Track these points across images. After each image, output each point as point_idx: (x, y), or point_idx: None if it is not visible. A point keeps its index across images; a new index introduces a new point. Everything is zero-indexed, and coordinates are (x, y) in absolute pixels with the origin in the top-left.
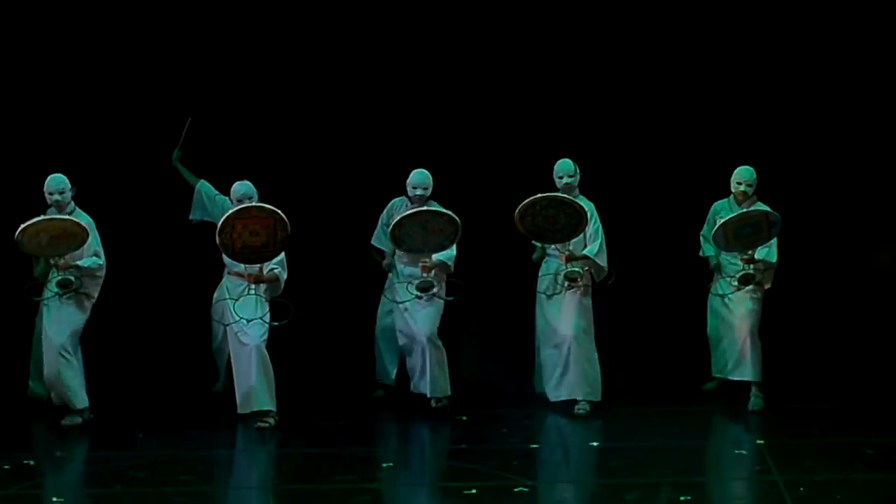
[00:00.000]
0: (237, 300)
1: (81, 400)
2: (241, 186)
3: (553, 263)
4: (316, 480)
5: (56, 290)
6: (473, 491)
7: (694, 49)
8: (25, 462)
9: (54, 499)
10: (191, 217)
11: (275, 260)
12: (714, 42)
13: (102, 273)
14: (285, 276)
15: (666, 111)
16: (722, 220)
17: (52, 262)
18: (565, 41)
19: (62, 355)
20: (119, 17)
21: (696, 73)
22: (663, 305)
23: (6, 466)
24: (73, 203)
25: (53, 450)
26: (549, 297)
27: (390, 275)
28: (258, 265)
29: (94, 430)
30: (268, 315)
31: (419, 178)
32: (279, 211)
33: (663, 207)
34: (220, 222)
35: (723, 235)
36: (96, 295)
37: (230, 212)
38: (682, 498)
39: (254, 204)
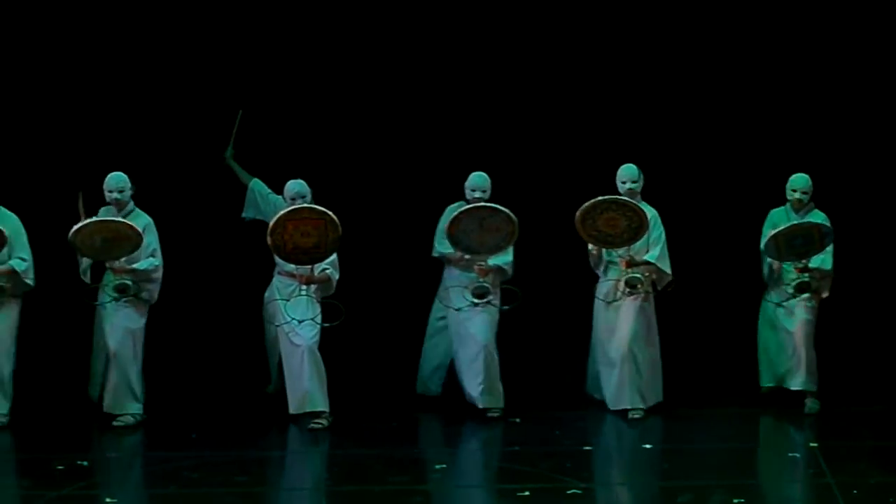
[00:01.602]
0: (288, 300)
1: (131, 405)
2: (295, 185)
3: (614, 270)
4: (368, 482)
5: (113, 294)
6: (526, 493)
7: (754, 57)
8: (79, 462)
9: (108, 499)
10: (243, 215)
11: (327, 260)
12: (774, 50)
13: (159, 274)
14: (337, 277)
15: (727, 118)
16: (773, 232)
17: (108, 265)
18: (627, 47)
19: (118, 358)
20: (172, 15)
21: (756, 81)
22: (721, 309)
23: (60, 467)
24: (132, 202)
25: (107, 450)
26: (609, 303)
27: (444, 280)
28: (309, 266)
29: (148, 430)
30: (319, 316)
31: (478, 181)
32: (331, 213)
33: (722, 214)
34: (272, 223)
35: (774, 246)
36: (156, 296)
37: (281, 212)
38: (735, 501)
39: (305, 205)
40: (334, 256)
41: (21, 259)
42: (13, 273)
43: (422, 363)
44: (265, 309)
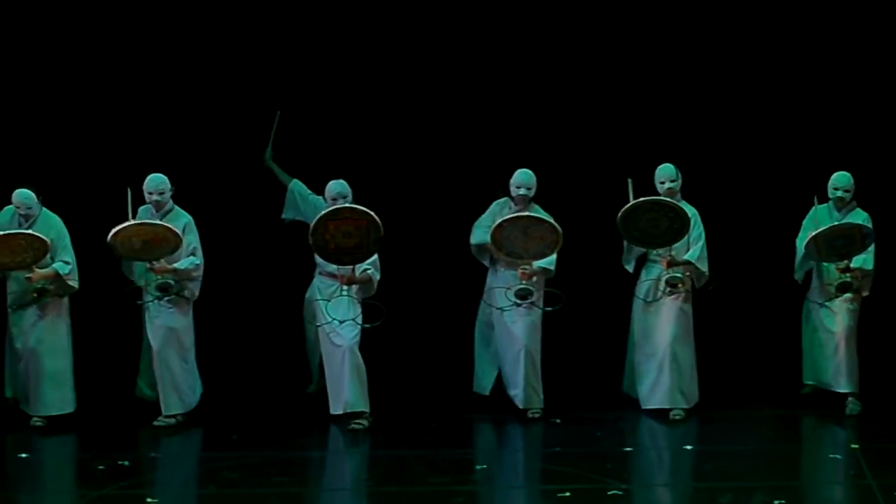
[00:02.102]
0: (329, 301)
1: (174, 405)
2: (336, 185)
3: (654, 269)
4: (409, 482)
5: (156, 293)
6: (567, 494)
7: (797, 54)
8: (121, 462)
9: (149, 499)
10: (283, 216)
11: (368, 261)
12: (816, 47)
13: (200, 272)
14: (378, 278)
15: (768, 116)
16: (813, 233)
17: (148, 265)
18: (667, 46)
19: (161, 358)
20: (212, 17)
21: (798, 79)
22: (760, 309)
23: (101, 467)
24: (171, 202)
25: (149, 450)
26: (648, 303)
27: (489, 280)
28: (350, 266)
29: (189, 430)
30: (360, 316)
31: (523, 178)
32: (372, 213)
33: (763, 213)
34: (313, 223)
35: (814, 247)
36: (197, 293)
37: (323, 213)
38: (775, 502)
39: (347, 205)
40: (375, 257)
41: (64, 262)
42: (57, 276)
43: (476, 363)
44: (306, 309)
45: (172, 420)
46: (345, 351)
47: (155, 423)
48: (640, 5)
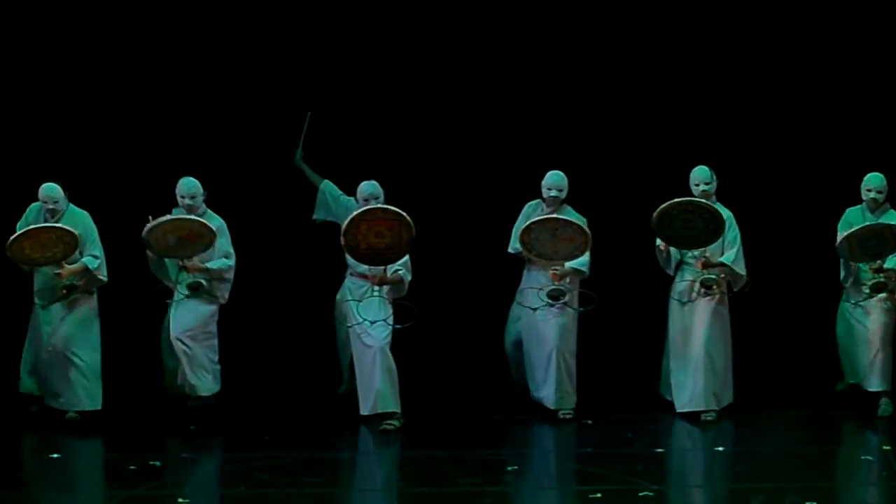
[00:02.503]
0: (360, 301)
1: (205, 385)
2: (368, 186)
3: (689, 270)
4: (440, 483)
5: (186, 292)
6: (598, 495)
7: (829, 56)
8: (152, 463)
9: (180, 500)
10: (314, 217)
11: (399, 261)
12: (848, 48)
13: (231, 274)
14: (409, 279)
15: (802, 117)
16: (845, 233)
17: (181, 263)
18: (701, 48)
19: (189, 357)
20: (242, 17)
21: (831, 80)
22: (795, 311)
23: (132, 467)
24: (204, 206)
25: (180, 451)
26: (684, 304)
27: (523, 280)
28: (382, 266)
29: (219, 431)
30: (391, 317)
31: (554, 180)
32: (404, 213)
33: (797, 215)
34: (345, 223)
35: (847, 247)
36: (227, 296)
37: (355, 213)
38: (807, 503)
39: (379, 206)
40: (407, 258)
41: (93, 256)
42: (86, 270)
43: (510, 364)
44: (337, 310)
45: (201, 401)
46: (376, 352)
47: (190, 403)
48: (674, 7)
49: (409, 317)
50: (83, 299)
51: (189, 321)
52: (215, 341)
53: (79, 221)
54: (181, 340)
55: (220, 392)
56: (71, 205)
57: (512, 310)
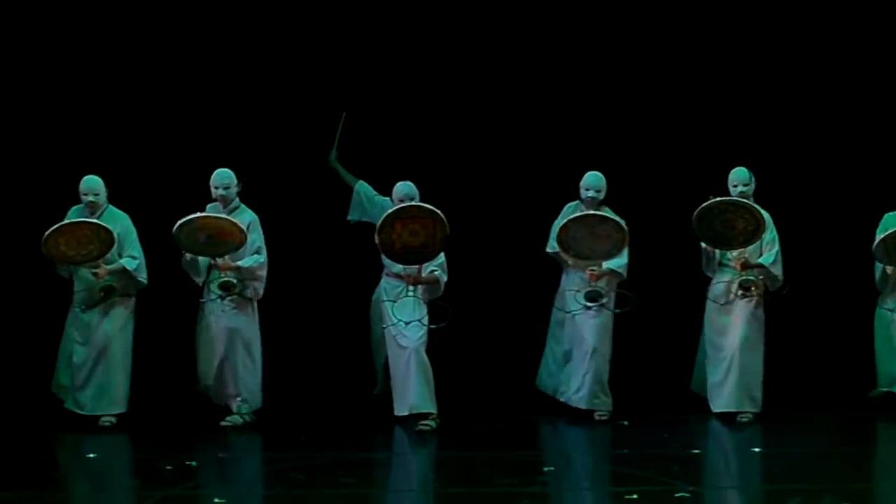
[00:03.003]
0: (395, 302)
1: (241, 405)
2: (404, 187)
3: (727, 272)
4: (476, 484)
5: (218, 292)
6: (635, 496)
7: (868, 58)
8: (188, 463)
9: (216, 500)
10: (349, 217)
11: (435, 262)
12: (888, 50)
13: (264, 271)
14: (445, 279)
15: (841, 119)
16: (882, 236)
17: (212, 262)
18: (739, 49)
19: (225, 357)
20: (278, 17)
21: (870, 83)
22: (831, 313)
23: (169, 467)
24: (238, 199)
25: (216, 451)
26: (721, 305)
27: (562, 283)
28: (416, 266)
29: (256, 431)
30: (426, 317)
31: (592, 180)
32: (439, 211)
33: (836, 217)
34: (380, 222)
35: (883, 249)
36: (261, 292)
37: (389, 211)
38: None
39: (414, 203)
40: (442, 258)
41: (132, 257)
42: (124, 271)
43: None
44: (372, 310)
45: (240, 420)
46: (411, 352)
47: (222, 422)
48: (715, 9)
49: (444, 317)
50: (121, 301)
51: (230, 336)
52: (257, 354)
53: (117, 221)
54: (229, 359)
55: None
56: (110, 205)
57: (553, 314)
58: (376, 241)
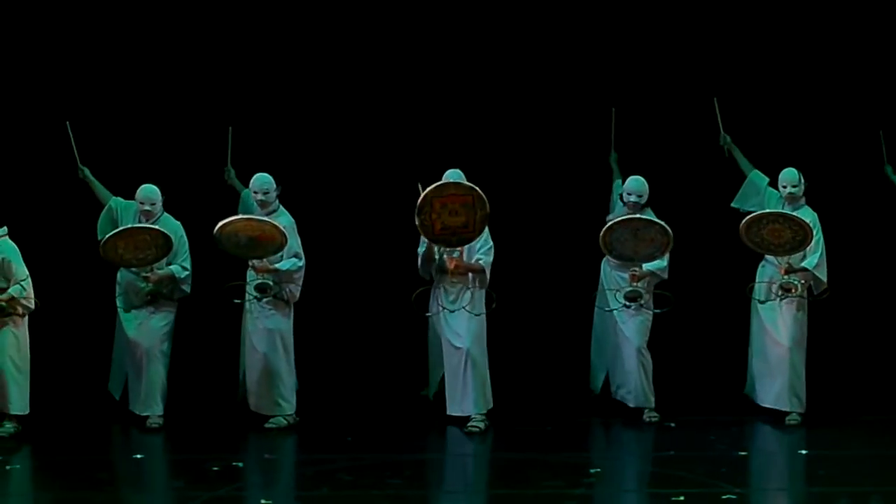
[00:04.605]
0: (452, 312)
1: (286, 406)
2: (453, 174)
3: (769, 270)
4: (524, 485)
5: (254, 293)
6: (681, 498)
7: None
8: (234, 464)
9: (263, 500)
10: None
11: (479, 249)
12: None
13: (301, 275)
14: (490, 261)
15: (889, 124)
16: None
17: (250, 264)
18: (782, 51)
19: (265, 360)
20: (322, 21)
21: None
22: (876, 316)
23: (215, 468)
24: (277, 202)
25: (262, 452)
26: (762, 303)
27: (601, 282)
28: (458, 248)
29: (302, 433)
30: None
31: (634, 185)
32: (477, 188)
33: (883, 221)
34: (419, 202)
35: None
36: (297, 295)
37: (427, 190)
38: None
39: (452, 181)
40: (486, 237)
41: (182, 267)
42: (171, 279)
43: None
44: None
45: (283, 421)
46: (464, 353)
47: (266, 424)
48: (755, 12)
49: (489, 303)
50: (165, 305)
51: (269, 338)
52: (292, 356)
53: (172, 230)
54: (265, 360)
55: (301, 393)
56: (165, 213)
57: (596, 313)
58: (416, 223)
